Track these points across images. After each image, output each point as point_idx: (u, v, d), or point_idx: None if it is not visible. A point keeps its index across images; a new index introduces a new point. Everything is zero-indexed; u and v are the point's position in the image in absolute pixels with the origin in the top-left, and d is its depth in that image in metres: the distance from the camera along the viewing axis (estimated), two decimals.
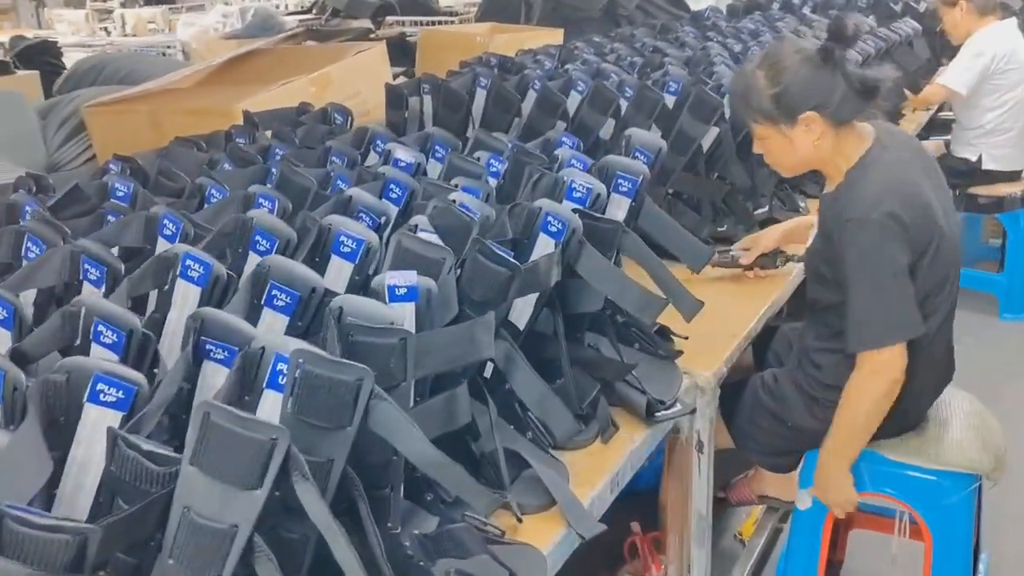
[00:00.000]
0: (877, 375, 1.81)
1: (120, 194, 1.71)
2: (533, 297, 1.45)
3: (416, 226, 1.40)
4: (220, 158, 1.87)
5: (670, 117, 2.41)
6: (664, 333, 1.85)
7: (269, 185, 1.69)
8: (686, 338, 1.86)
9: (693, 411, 1.77)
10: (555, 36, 4.07)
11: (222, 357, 1.04)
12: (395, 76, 4.33)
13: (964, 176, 4.08)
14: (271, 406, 1.00)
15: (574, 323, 1.67)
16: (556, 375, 1.62)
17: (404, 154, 1.81)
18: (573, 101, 2.52)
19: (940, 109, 4.49)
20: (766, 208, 2.67)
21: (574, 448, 1.54)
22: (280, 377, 0.99)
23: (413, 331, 1.23)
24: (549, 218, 1.41)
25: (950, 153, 4.15)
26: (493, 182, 1.84)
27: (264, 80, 3.16)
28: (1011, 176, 4.04)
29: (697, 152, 2.37)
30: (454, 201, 1.52)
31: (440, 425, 1.20)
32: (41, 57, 5.83)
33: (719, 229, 2.31)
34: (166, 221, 1.44)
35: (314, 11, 9.42)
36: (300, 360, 0.95)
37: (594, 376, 1.64)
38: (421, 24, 7.44)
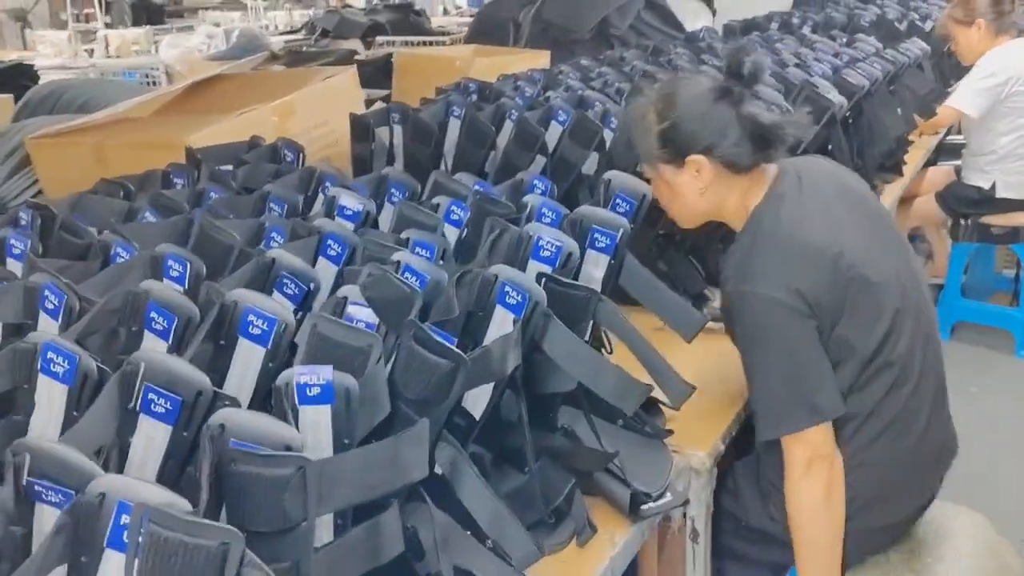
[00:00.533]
0: (807, 470, 1.54)
1: (16, 252, 1.47)
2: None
3: (345, 299, 1.15)
4: (142, 206, 1.62)
5: None
6: (652, 405, 1.60)
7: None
8: (677, 408, 1.61)
9: (686, 502, 1.52)
10: (541, 59, 3.84)
11: (56, 501, 0.79)
12: (380, 100, 4.11)
13: (976, 205, 3.84)
14: (115, 572, 0.75)
15: (545, 403, 1.42)
16: (525, 464, 1.37)
17: (350, 201, 1.57)
18: (555, 132, 2.28)
19: (948, 132, 4.25)
20: None
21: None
22: (125, 533, 0.74)
23: (329, 440, 0.98)
24: (507, 288, 1.17)
25: (960, 180, 3.91)
26: (454, 232, 1.60)
27: (225, 108, 2.92)
28: None
29: None
30: (398, 264, 1.27)
31: (362, 562, 0.95)
32: (18, 80, 5.62)
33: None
34: (47, 292, 1.20)
35: (303, 32, 9.26)
36: (145, 517, 0.70)
37: (568, 467, 1.40)
38: (412, 44, 7.25)
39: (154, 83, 7.01)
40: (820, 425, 1.53)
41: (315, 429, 0.98)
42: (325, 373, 0.97)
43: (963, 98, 3.63)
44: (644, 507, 1.44)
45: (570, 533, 1.36)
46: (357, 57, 6.35)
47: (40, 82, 5.27)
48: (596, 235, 1.40)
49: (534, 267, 1.34)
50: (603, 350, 1.47)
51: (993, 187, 3.79)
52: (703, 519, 1.66)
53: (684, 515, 1.65)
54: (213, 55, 7.63)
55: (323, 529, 1.03)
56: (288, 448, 0.86)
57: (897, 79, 3.10)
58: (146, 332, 1.16)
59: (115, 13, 10.75)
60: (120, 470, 1.01)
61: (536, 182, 1.66)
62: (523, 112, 2.36)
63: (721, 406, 1.75)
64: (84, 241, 1.45)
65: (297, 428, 0.98)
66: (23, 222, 1.66)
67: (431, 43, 7.30)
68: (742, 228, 1.63)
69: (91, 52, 8.60)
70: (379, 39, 7.64)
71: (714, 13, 6.39)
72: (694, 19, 5.98)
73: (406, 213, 1.48)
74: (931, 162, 4.22)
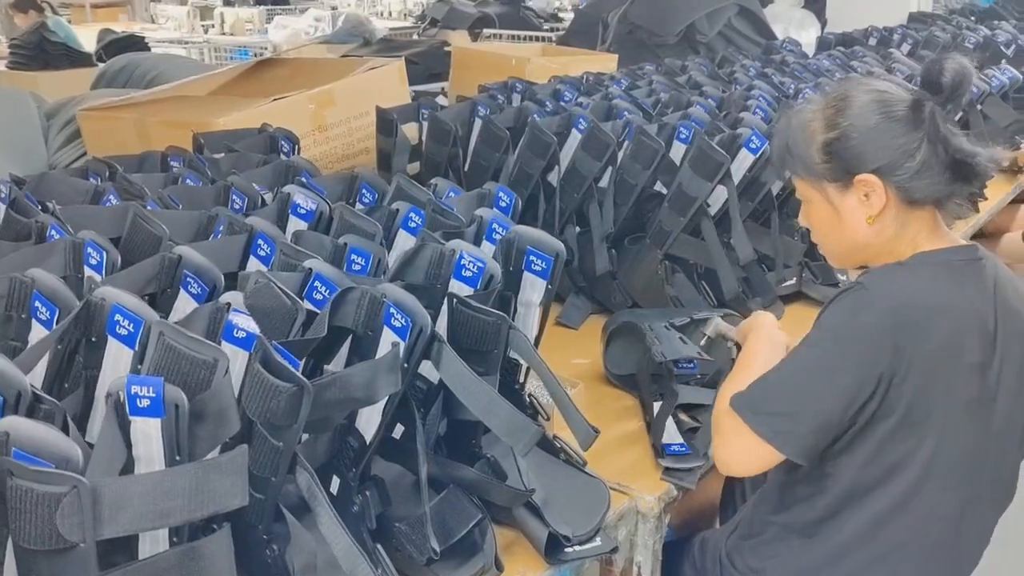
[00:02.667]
0: (726, 441, 1.37)
1: None
2: (383, 402, 1.14)
3: (228, 305, 1.10)
4: (106, 189, 1.62)
5: (676, 170, 2.05)
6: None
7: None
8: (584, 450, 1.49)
9: (615, 549, 1.41)
10: (606, 62, 3.73)
11: None
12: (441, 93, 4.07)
13: None
14: None
15: (466, 429, 1.35)
16: (437, 490, 1.31)
17: (303, 199, 1.52)
18: (575, 140, 2.19)
19: None
20: (793, 280, 2.28)
21: None
22: None
23: (160, 455, 0.94)
24: (391, 310, 1.10)
25: None
26: (411, 241, 1.53)
27: (274, 93, 2.93)
28: None
29: (700, 212, 2.01)
30: (309, 272, 1.21)
31: None
32: (130, 51, 5.82)
33: (696, 314, 1.86)
34: None
35: (415, 20, 9.34)
36: None
37: (484, 500, 1.32)
38: (518, 39, 7.22)
39: None
40: (766, 445, 1.33)
41: (146, 442, 0.93)
42: (155, 385, 0.92)
43: None
44: (565, 550, 1.35)
45: (476, 570, 1.28)
46: (448, 48, 6.35)
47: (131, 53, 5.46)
48: (532, 257, 1.31)
49: (455, 286, 1.26)
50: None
51: None
52: (649, 566, 1.55)
53: (631, 561, 1.55)
54: (319, 38, 7.78)
55: (157, 543, 0.99)
56: (67, 464, 0.81)
57: (972, 107, 2.87)
58: (33, 321, 1.14)
59: None
60: None
61: (501, 194, 1.57)
62: (545, 118, 2.28)
63: None
64: (28, 221, 1.44)
65: (128, 440, 0.94)
66: (2, 194, 1.68)
67: (535, 38, 7.25)
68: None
69: (206, 28, 8.89)
70: (486, 31, 7.64)
71: (824, 24, 6.13)
72: (798, 29, 5.74)
73: (347, 218, 1.42)
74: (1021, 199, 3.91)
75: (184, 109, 2.83)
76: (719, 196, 2.04)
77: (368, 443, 1.18)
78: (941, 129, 1.31)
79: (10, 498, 0.80)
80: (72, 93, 3.58)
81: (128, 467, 0.94)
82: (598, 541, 1.38)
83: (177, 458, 0.94)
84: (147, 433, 0.93)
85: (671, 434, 1.62)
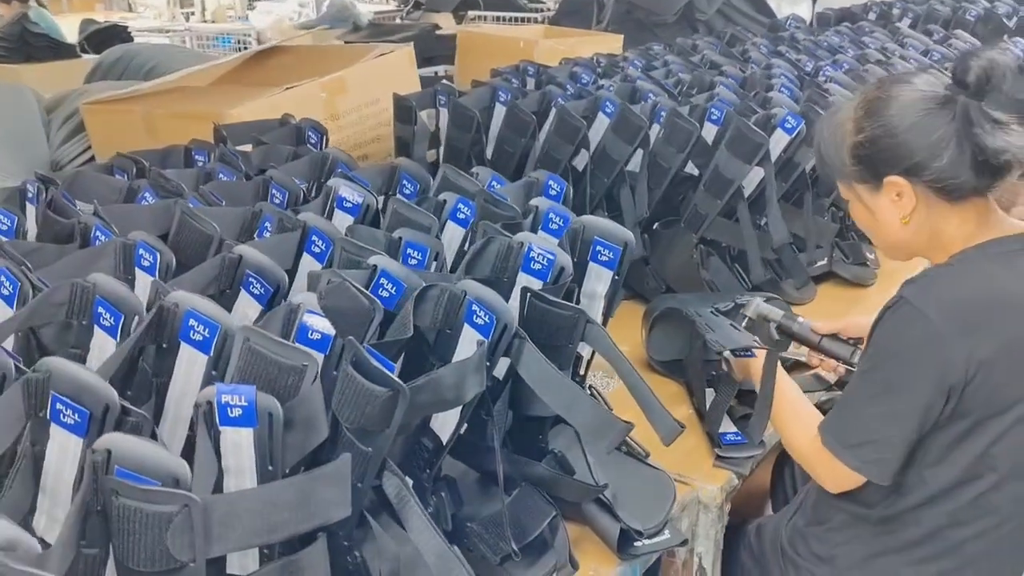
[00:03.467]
0: (823, 474, 1.41)
1: (3, 228, 1.43)
2: None
3: (300, 307, 1.06)
4: (141, 186, 1.57)
5: (709, 151, 2.02)
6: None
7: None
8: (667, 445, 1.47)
9: (685, 542, 1.39)
10: (612, 43, 3.68)
11: None
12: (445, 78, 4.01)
13: None
14: None
15: (534, 425, 1.32)
16: (508, 488, 1.27)
17: (349, 193, 1.48)
18: (601, 124, 2.15)
19: None
20: (824, 260, 2.26)
21: None
22: None
23: (252, 465, 0.90)
24: (474, 307, 1.06)
25: None
26: (461, 232, 1.49)
27: (280, 81, 2.87)
28: None
29: (737, 195, 1.98)
30: (375, 268, 1.17)
31: None
32: (111, 42, 5.71)
33: (739, 298, 1.83)
34: (1, 279, 1.14)
35: (397, 3, 9.23)
36: None
37: (555, 496, 1.29)
38: (503, 20, 7.14)
39: (245, 49, 7.08)
40: (855, 473, 1.36)
41: (236, 452, 0.90)
42: (248, 393, 0.88)
43: None
44: (635, 545, 1.32)
45: (548, 568, 1.25)
46: (439, 32, 6.29)
47: (127, 44, 5.35)
48: (599, 247, 1.28)
49: (524, 279, 1.23)
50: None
51: None
52: (711, 556, 1.53)
53: (691, 551, 1.53)
54: (303, 24, 7.68)
55: (248, 558, 0.96)
56: (176, 482, 0.77)
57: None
58: (95, 327, 1.10)
59: None
60: (36, 479, 0.95)
61: (551, 182, 1.53)
62: (569, 101, 2.24)
63: None
64: (69, 221, 1.40)
65: (218, 451, 0.90)
66: (30, 194, 1.63)
67: (523, 20, 7.17)
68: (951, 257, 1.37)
69: (188, 16, 8.75)
70: (471, 13, 7.55)
71: (815, 1, 6.11)
72: (791, 6, 5.71)
73: (400, 211, 1.38)
74: None
75: (191, 100, 2.77)
76: (752, 178, 2.01)
77: (444, 444, 1.14)
78: (974, 126, 1.27)
79: (116, 519, 0.76)
80: (57, 86, 3.50)
81: (218, 480, 0.90)
82: (667, 534, 1.36)
83: (270, 468, 0.91)
84: (237, 443, 0.90)
85: (726, 423, 1.60)
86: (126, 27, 6.75)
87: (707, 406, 1.64)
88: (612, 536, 1.30)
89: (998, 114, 1.28)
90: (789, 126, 1.98)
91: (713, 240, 2.08)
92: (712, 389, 1.67)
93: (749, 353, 1.55)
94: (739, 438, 1.57)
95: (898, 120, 1.32)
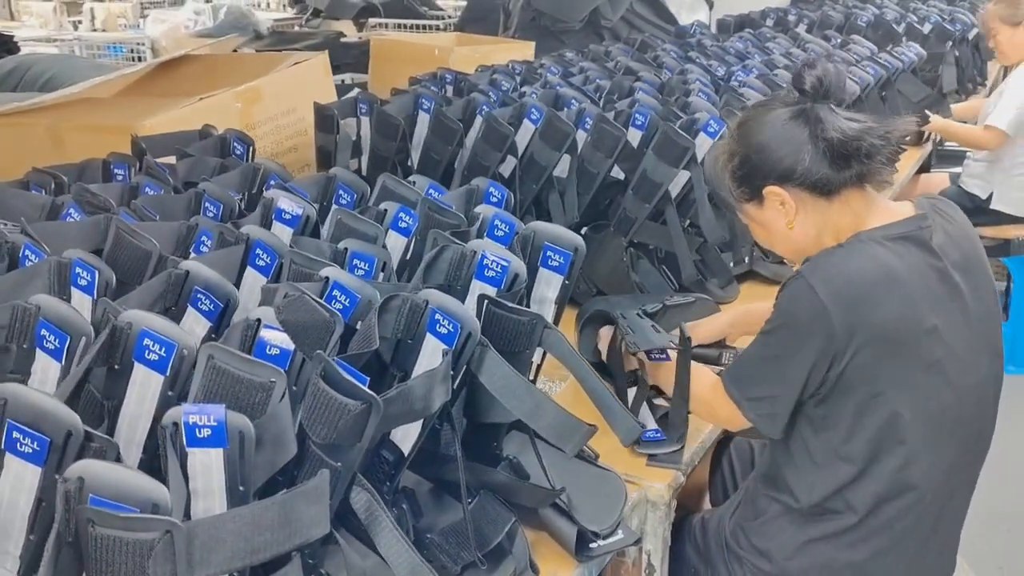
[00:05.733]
0: (715, 405, 1.52)
1: None
2: None
3: (259, 322, 1.04)
4: (66, 202, 1.50)
5: (635, 156, 2.05)
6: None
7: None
8: (627, 447, 1.51)
9: (638, 540, 1.41)
10: (525, 50, 3.72)
11: None
12: (358, 87, 3.98)
13: (969, 214, 3.71)
14: None
15: (489, 433, 1.32)
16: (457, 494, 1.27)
17: (288, 204, 1.45)
18: (527, 131, 2.17)
19: (944, 140, 4.14)
20: (745, 260, 2.32)
21: None
22: None
23: (222, 487, 0.88)
24: (437, 316, 1.06)
25: (957, 186, 3.80)
26: (402, 241, 1.48)
27: (191, 91, 2.79)
28: (1018, 221, 3.69)
29: (665, 198, 2.02)
30: (327, 280, 1.16)
31: None
32: None
33: (670, 299, 1.88)
34: None
35: (295, 11, 9.08)
36: None
37: (512, 502, 1.29)
38: (405, 28, 7.10)
39: (139, 59, 6.86)
40: (740, 410, 1.47)
41: (206, 474, 0.87)
42: (217, 413, 0.86)
43: (1004, 117, 3.48)
44: (592, 546, 1.34)
45: (508, 574, 1.25)
46: (344, 39, 6.23)
47: (21, 54, 5.12)
48: (549, 253, 1.29)
49: (478, 287, 1.23)
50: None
51: (990, 198, 3.69)
52: (659, 554, 1.55)
53: (640, 550, 1.55)
54: (200, 32, 7.48)
55: None
56: (156, 508, 0.75)
57: (889, 85, 2.99)
58: (37, 351, 1.05)
59: None
60: None
61: (492, 189, 1.54)
62: (493, 109, 2.25)
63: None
64: None
65: (185, 473, 0.87)
66: None
67: (425, 27, 7.14)
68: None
69: (76, 24, 8.43)
70: (371, 21, 7.49)
71: (711, 7, 6.28)
72: (690, 12, 5.86)
73: (345, 221, 1.36)
74: (924, 169, 4.11)
75: (99, 112, 2.68)
76: (678, 181, 2.06)
77: (406, 455, 1.13)
78: (825, 125, 1.40)
79: (93, 549, 0.73)
80: None
81: (187, 503, 0.88)
82: (620, 534, 1.38)
83: (240, 489, 0.88)
84: (207, 465, 0.87)
85: (646, 420, 1.63)
86: (12, 36, 6.47)
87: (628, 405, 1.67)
88: (570, 539, 1.31)
89: (841, 111, 1.43)
90: (712, 130, 2.03)
91: (641, 243, 2.11)
92: (634, 388, 1.70)
93: (664, 355, 1.60)
94: (658, 435, 1.60)
95: (761, 136, 1.46)
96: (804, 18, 4.46)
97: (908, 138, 2.72)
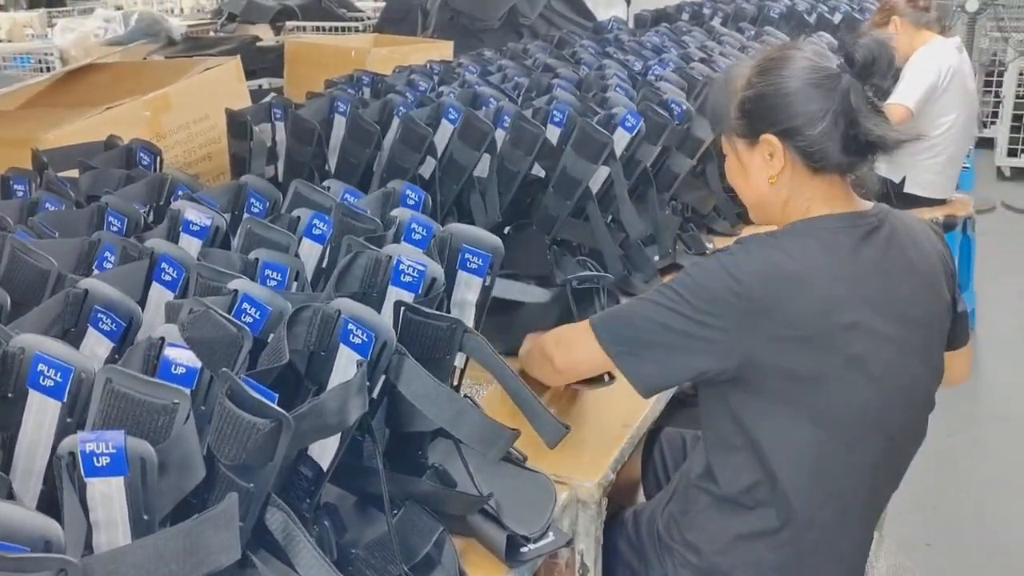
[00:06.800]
0: (570, 348, 1.53)
1: None
2: None
3: (162, 340, 0.99)
4: None
5: (554, 153, 2.04)
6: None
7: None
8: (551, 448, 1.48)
9: (570, 541, 1.40)
10: (443, 50, 3.69)
11: None
12: (274, 92, 3.89)
13: (882, 198, 3.79)
14: None
15: (413, 441, 1.29)
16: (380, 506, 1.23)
17: (196, 215, 1.40)
18: (446, 131, 2.14)
19: None
20: (669, 254, 2.33)
21: None
22: None
23: (124, 517, 0.83)
24: (350, 326, 1.02)
25: (871, 171, 3.89)
26: (317, 250, 1.44)
27: (98, 101, 2.70)
28: (932, 204, 3.78)
29: (585, 195, 2.01)
30: (236, 293, 1.12)
31: None
32: None
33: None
34: None
35: (210, 16, 8.88)
36: None
37: (438, 511, 1.26)
38: (323, 31, 7.00)
39: (48, 69, 6.63)
40: (603, 358, 1.45)
41: (107, 504, 0.83)
42: (116, 439, 0.82)
43: (912, 96, 3.57)
44: (523, 550, 1.32)
45: None
46: (260, 44, 6.11)
47: None
48: (468, 255, 1.27)
49: (395, 293, 1.20)
50: None
51: (903, 182, 3.78)
52: (593, 553, 1.54)
53: (573, 551, 1.53)
54: (110, 40, 7.26)
55: None
56: (48, 545, 0.70)
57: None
58: None
59: None
60: None
61: (409, 192, 1.51)
62: (412, 109, 2.22)
63: (612, 431, 1.63)
64: None
65: (84, 504, 0.83)
66: None
67: (343, 29, 7.05)
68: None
69: None
70: (288, 24, 7.37)
71: (628, 2, 6.32)
72: (607, 8, 5.89)
73: (255, 230, 1.32)
74: None
75: (3, 126, 2.57)
76: (598, 176, 2.05)
77: (325, 471, 1.10)
78: (853, 104, 1.35)
79: None
80: None
81: (87, 535, 0.83)
82: (551, 536, 1.36)
83: (144, 517, 0.84)
84: (107, 494, 0.83)
85: None
86: None
87: None
88: (499, 544, 1.29)
89: (873, 99, 1.38)
90: (630, 124, 2.03)
91: (565, 240, 2.10)
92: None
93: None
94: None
95: (786, 82, 1.39)
96: (719, 11, 4.51)
97: None
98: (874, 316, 1.39)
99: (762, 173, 1.45)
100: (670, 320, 1.38)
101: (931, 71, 3.60)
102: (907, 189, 3.77)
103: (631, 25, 4.56)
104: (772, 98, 1.40)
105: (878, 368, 1.40)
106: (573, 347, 1.52)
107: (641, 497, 1.86)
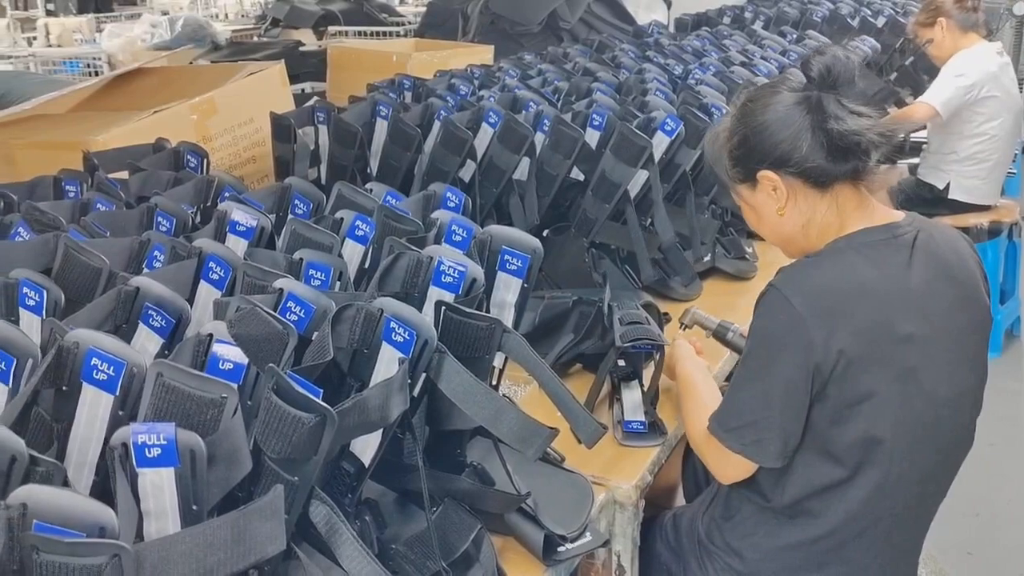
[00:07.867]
0: (713, 461, 1.51)
1: None
2: None
3: (211, 337, 1.02)
4: (13, 221, 1.47)
5: (593, 156, 2.05)
6: None
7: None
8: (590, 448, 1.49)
9: (606, 542, 1.41)
10: (484, 54, 3.71)
11: None
12: (317, 95, 3.95)
13: (927, 204, 3.77)
14: None
15: (452, 440, 1.31)
16: (431, 505, 1.25)
17: (242, 216, 1.43)
18: (486, 135, 2.16)
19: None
20: (707, 257, 2.33)
21: None
22: None
23: (174, 507, 0.86)
24: (392, 325, 1.04)
25: (916, 177, 3.85)
26: (360, 250, 1.47)
27: (145, 105, 2.76)
28: (978, 210, 3.74)
29: (624, 198, 2.02)
30: (281, 292, 1.14)
31: None
32: None
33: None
34: None
35: (254, 21, 9.01)
36: None
37: (477, 509, 1.28)
38: (365, 35, 7.08)
39: (96, 73, 6.78)
40: (744, 459, 1.43)
41: (157, 495, 0.86)
42: (167, 431, 0.84)
43: (939, 96, 3.54)
44: (560, 550, 1.33)
45: None
46: (303, 48, 6.19)
47: None
48: (507, 257, 1.28)
49: (435, 293, 1.22)
50: None
51: (947, 188, 3.74)
52: (629, 555, 1.55)
53: (610, 551, 1.54)
54: (157, 44, 7.40)
55: None
56: (102, 531, 0.73)
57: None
58: None
59: (59, 0, 10.42)
60: None
61: (449, 194, 1.53)
62: (452, 113, 2.24)
63: None
64: None
65: (136, 494, 0.86)
66: None
67: (385, 34, 7.11)
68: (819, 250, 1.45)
69: (30, 41, 8.31)
70: (331, 29, 7.45)
71: (669, 6, 6.31)
72: (647, 12, 5.89)
73: (300, 231, 1.35)
74: None
75: (52, 128, 2.64)
76: (637, 180, 2.06)
77: (367, 466, 1.12)
78: (827, 115, 1.38)
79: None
80: None
81: (138, 524, 0.86)
82: (588, 536, 1.37)
83: (193, 508, 0.87)
84: (158, 485, 0.85)
85: (632, 410, 1.63)
86: None
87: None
88: (537, 544, 1.30)
89: (849, 103, 1.40)
90: (669, 128, 2.04)
91: (603, 243, 2.11)
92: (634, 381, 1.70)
93: (647, 347, 1.60)
94: (642, 427, 1.60)
95: (762, 118, 1.43)
96: (760, 15, 4.49)
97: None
98: (926, 327, 1.39)
99: (770, 208, 1.47)
100: (768, 387, 1.39)
101: (965, 74, 3.55)
102: (952, 195, 3.73)
103: (671, 29, 4.56)
104: (754, 136, 1.43)
105: (930, 379, 1.39)
106: (718, 463, 1.50)
107: (680, 500, 1.86)
